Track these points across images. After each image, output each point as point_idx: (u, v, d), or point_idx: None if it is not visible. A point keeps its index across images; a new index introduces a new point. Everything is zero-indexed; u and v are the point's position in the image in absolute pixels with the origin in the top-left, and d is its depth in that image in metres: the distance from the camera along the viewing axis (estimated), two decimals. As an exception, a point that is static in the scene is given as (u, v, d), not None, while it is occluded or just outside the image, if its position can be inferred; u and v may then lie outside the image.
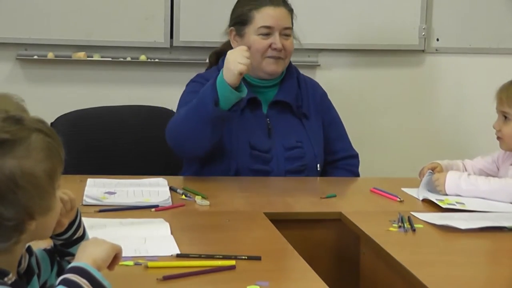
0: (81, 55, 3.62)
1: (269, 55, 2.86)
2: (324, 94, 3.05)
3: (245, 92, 2.63)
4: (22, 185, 1.33)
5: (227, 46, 2.94)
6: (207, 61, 3.11)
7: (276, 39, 2.85)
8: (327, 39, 3.81)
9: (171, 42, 3.67)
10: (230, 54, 2.64)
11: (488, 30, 3.95)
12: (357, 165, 3.05)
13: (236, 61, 2.58)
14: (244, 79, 2.71)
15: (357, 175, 3.04)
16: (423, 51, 3.93)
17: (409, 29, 3.87)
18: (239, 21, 2.89)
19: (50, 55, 3.61)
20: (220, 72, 2.62)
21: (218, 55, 3.01)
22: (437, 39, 3.92)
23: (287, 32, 2.88)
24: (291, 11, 2.91)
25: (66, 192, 1.50)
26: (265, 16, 2.85)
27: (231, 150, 2.79)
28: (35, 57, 3.61)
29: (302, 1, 3.71)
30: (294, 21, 2.93)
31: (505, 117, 2.64)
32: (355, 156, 3.05)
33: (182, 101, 2.86)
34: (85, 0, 3.59)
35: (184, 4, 3.64)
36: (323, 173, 2.99)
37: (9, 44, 3.57)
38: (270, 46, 2.85)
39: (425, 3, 3.87)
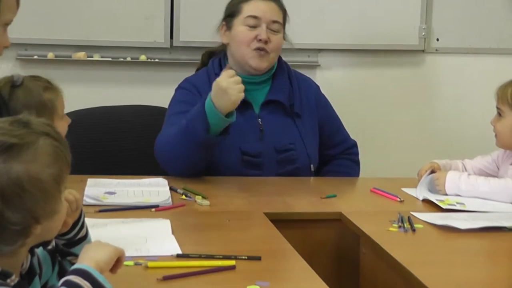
0: (81, 55, 3.62)
1: (254, 47, 2.82)
2: (317, 89, 3.03)
3: (234, 117, 2.59)
4: (29, 189, 1.33)
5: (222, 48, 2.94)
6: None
7: (262, 30, 2.82)
8: (327, 39, 3.81)
9: (171, 42, 3.67)
10: (223, 82, 2.53)
11: (488, 30, 3.95)
12: (357, 153, 3.08)
13: (235, 90, 2.53)
14: None
15: (358, 163, 3.06)
16: (423, 51, 3.93)
17: (409, 29, 3.87)
18: (228, 14, 2.90)
19: (50, 55, 3.61)
20: (208, 98, 2.56)
21: (210, 55, 3.00)
22: (437, 39, 3.92)
23: (275, 27, 2.86)
24: (282, 8, 2.90)
25: (72, 192, 1.50)
26: (252, 6, 2.85)
27: (221, 156, 2.76)
28: (35, 57, 3.61)
29: (303, 1, 3.72)
30: (287, 23, 2.92)
31: (500, 114, 2.65)
32: (355, 144, 3.07)
33: (171, 111, 2.84)
34: (85, 0, 3.59)
35: (184, 4, 3.64)
36: (327, 166, 3.00)
37: (9, 44, 3.57)
38: (255, 37, 2.83)
39: (425, 3, 3.86)
